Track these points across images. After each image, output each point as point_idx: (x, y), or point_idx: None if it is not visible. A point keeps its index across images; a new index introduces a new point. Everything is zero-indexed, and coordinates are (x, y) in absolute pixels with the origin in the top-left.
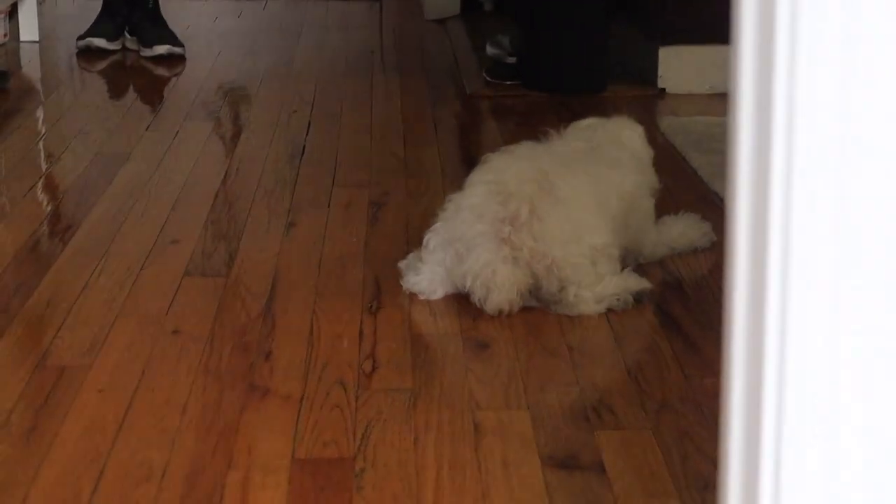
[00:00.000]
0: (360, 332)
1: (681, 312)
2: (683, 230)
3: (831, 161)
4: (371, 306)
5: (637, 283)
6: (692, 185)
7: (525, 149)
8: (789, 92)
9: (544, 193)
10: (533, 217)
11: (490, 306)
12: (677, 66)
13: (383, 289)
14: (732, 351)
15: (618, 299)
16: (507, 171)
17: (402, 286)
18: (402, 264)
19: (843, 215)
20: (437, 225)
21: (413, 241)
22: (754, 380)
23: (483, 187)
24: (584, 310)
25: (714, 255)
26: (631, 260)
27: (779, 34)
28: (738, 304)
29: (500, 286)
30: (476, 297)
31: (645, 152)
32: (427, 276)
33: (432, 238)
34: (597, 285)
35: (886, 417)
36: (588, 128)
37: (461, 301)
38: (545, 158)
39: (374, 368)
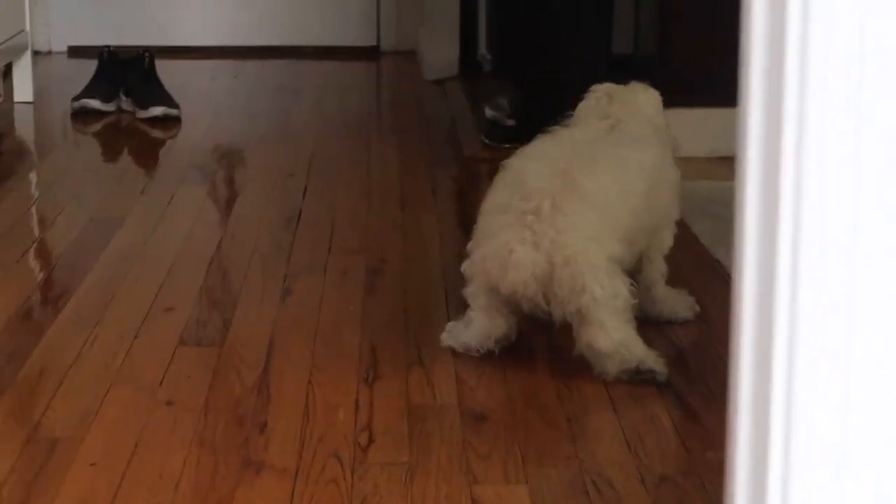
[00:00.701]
0: (357, 404)
1: (681, 382)
2: (667, 297)
3: (840, 230)
4: (367, 376)
5: (655, 361)
6: (693, 250)
7: (543, 146)
8: (797, 159)
9: (568, 190)
10: (556, 211)
11: (505, 285)
12: (679, 129)
13: (380, 358)
14: (737, 424)
15: (627, 362)
16: (527, 171)
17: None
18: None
19: (853, 287)
20: (469, 244)
21: (410, 308)
22: (759, 455)
23: (505, 190)
24: (599, 341)
25: (715, 324)
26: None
27: (787, 99)
28: (743, 375)
29: (516, 265)
30: (491, 277)
31: (661, 118)
32: (478, 326)
33: (467, 267)
34: (610, 303)
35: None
36: (602, 98)
37: (459, 370)
38: (566, 153)
39: (370, 441)
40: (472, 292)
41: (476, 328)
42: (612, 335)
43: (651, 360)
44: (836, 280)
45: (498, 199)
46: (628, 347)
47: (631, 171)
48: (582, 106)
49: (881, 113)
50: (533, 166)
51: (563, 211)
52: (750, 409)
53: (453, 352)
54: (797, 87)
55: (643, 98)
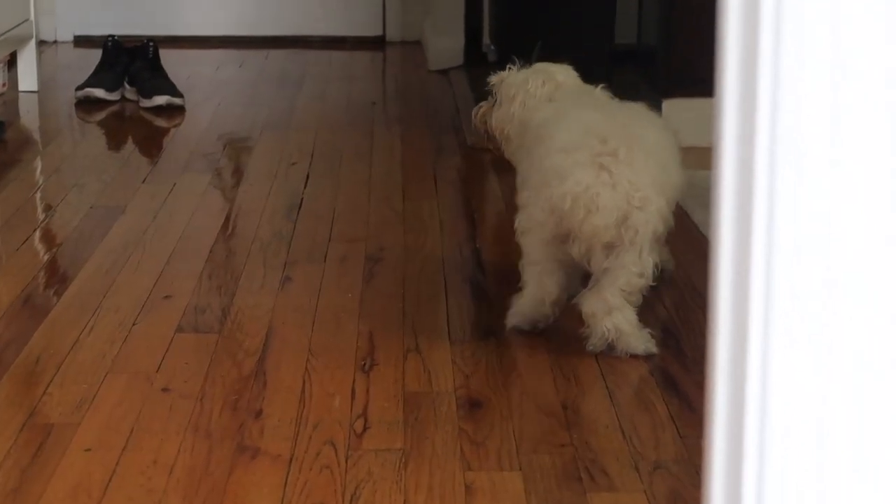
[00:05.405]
0: (353, 391)
1: (678, 371)
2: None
3: (816, 219)
4: (364, 364)
5: (646, 344)
6: (692, 239)
7: (591, 99)
8: (771, 147)
9: (635, 141)
10: (632, 155)
11: (587, 228)
12: (681, 119)
13: (377, 345)
14: (715, 409)
15: (615, 336)
16: (594, 119)
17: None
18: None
19: (826, 277)
20: (524, 195)
21: (409, 296)
22: (735, 438)
23: (570, 131)
24: (598, 315)
25: None
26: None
27: (761, 95)
28: (720, 347)
29: (602, 208)
30: (574, 219)
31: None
32: (530, 295)
33: (528, 216)
34: (635, 278)
35: (869, 473)
36: (546, 82)
37: (456, 357)
38: (614, 110)
39: (365, 428)
40: (529, 245)
41: (528, 296)
42: (612, 316)
43: (640, 349)
44: (810, 262)
45: (565, 139)
46: (620, 333)
47: (672, 141)
48: (530, 91)
49: (853, 112)
50: (596, 115)
51: (637, 157)
52: (727, 395)
53: (450, 339)
54: (771, 81)
55: (571, 75)
